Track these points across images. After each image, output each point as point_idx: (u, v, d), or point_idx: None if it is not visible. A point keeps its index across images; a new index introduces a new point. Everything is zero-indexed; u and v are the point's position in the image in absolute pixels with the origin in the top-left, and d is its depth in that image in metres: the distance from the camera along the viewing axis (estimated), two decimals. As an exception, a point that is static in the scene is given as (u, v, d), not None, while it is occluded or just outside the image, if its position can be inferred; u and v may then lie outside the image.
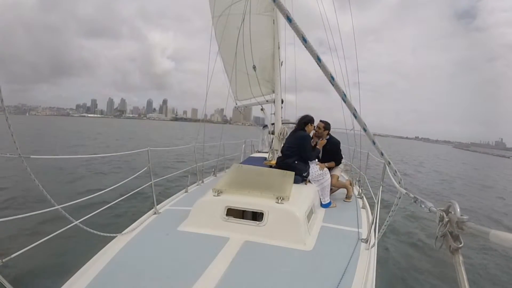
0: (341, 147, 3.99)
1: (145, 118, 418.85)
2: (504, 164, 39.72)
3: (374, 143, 1.17)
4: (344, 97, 1.02)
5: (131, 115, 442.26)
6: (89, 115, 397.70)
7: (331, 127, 3.89)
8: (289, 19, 0.87)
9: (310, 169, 3.37)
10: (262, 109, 5.55)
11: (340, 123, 5.10)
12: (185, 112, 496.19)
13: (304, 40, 0.91)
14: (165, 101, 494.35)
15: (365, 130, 1.12)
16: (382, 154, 1.22)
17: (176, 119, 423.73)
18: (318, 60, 0.94)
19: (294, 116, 6.86)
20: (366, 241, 2.45)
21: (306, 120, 3.48)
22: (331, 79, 0.98)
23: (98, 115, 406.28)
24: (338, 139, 3.96)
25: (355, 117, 1.08)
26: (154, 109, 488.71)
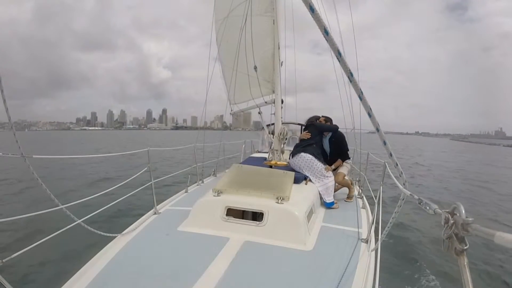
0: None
1: (145, 128, 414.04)
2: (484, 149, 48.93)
3: (385, 143, 1.15)
4: (361, 95, 0.98)
5: (131, 126, 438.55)
6: (90, 128, 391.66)
7: (339, 127, 4.11)
8: (311, 9, 0.83)
9: (316, 164, 3.44)
10: (260, 113, 5.52)
11: (339, 123, 5.12)
12: (185, 121, 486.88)
13: (325, 32, 0.87)
14: (164, 111, 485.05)
15: (378, 130, 1.10)
16: (391, 155, 1.21)
17: (176, 128, 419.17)
18: (339, 54, 0.90)
19: (293, 119, 6.91)
20: (367, 241, 2.45)
21: (315, 119, 4.03)
22: (350, 75, 0.94)
23: (99, 128, 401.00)
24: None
25: (370, 116, 1.05)
26: (154, 119, 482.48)
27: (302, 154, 3.48)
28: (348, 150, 4.08)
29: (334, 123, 4.11)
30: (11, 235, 4.54)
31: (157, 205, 3.13)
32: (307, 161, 3.44)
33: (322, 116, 4.09)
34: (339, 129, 4.06)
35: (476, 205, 8.29)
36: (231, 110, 6.25)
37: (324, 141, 4.02)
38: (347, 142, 4.08)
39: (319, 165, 3.44)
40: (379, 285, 1.91)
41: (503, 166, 21.52)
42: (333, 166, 3.77)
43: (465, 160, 24.64)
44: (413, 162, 19.75)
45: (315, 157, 3.48)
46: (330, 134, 4.01)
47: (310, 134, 3.75)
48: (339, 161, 3.91)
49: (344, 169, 3.95)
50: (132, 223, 2.71)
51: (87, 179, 10.25)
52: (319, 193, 3.36)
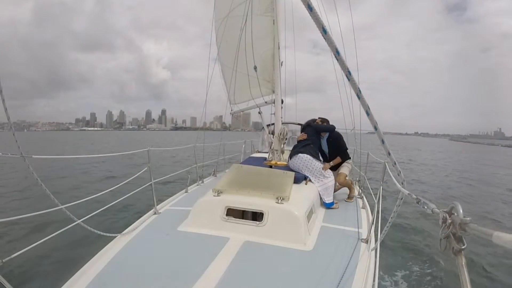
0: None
1: (144, 129, 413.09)
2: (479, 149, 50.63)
3: (383, 142, 1.15)
4: (359, 93, 0.99)
5: (130, 127, 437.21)
6: (89, 128, 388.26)
7: (335, 127, 4.13)
8: (309, 8, 0.83)
9: (315, 163, 3.46)
10: (260, 112, 5.52)
11: (339, 123, 5.12)
12: (184, 121, 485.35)
13: (324, 31, 0.87)
14: (163, 111, 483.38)
15: (376, 128, 1.10)
16: (389, 154, 1.21)
17: (176, 128, 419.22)
18: (337, 53, 0.90)
19: (293, 119, 6.93)
20: (367, 241, 2.45)
21: (312, 121, 4.11)
22: (348, 73, 0.95)
23: (98, 128, 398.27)
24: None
25: (368, 114, 1.05)
26: (153, 119, 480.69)
27: (300, 155, 3.51)
28: (347, 149, 4.08)
29: (333, 123, 4.12)
30: (11, 235, 4.54)
31: (157, 205, 3.13)
32: (305, 161, 3.46)
33: (319, 118, 4.16)
34: (336, 129, 4.07)
35: (467, 203, 8.52)
36: (231, 110, 6.24)
37: (322, 142, 4.03)
38: (345, 141, 4.08)
39: (317, 164, 3.46)
40: (379, 285, 1.91)
41: (499, 166, 21.79)
42: (331, 163, 3.76)
43: (461, 160, 25.10)
44: (408, 160, 20.71)
45: (313, 156, 3.51)
46: (327, 134, 4.03)
47: (306, 135, 3.79)
48: (338, 158, 3.91)
49: (346, 169, 3.95)
50: (132, 223, 2.71)
51: (88, 178, 10.32)
52: (319, 193, 3.37)
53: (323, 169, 3.45)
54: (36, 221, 4.70)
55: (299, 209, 2.50)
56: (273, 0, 4.68)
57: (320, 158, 3.72)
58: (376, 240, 2.32)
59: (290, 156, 3.65)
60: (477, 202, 8.76)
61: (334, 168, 3.90)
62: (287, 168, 3.57)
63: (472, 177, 14.25)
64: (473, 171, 16.77)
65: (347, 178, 3.90)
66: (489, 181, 13.35)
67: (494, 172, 17.28)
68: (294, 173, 3.14)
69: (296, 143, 3.86)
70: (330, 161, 3.85)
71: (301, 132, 4.08)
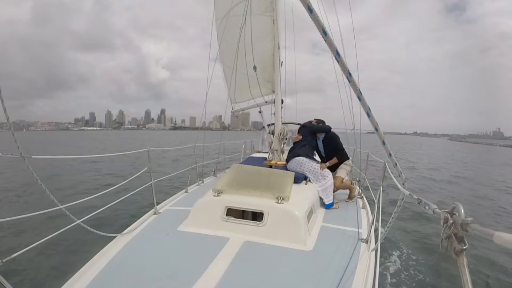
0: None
1: (144, 128, 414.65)
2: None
3: (384, 143, 1.15)
4: (360, 95, 0.99)
5: (130, 126, 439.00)
6: (88, 128, 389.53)
7: (331, 128, 4.12)
8: (309, 9, 0.83)
9: (311, 164, 3.46)
10: (260, 112, 5.53)
11: (339, 123, 5.12)
12: (183, 121, 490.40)
13: (324, 33, 0.87)
14: (163, 111, 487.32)
15: (376, 129, 1.10)
16: (390, 155, 1.21)
17: (175, 128, 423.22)
18: (337, 54, 0.90)
19: (293, 119, 6.96)
20: (367, 241, 2.45)
21: (308, 123, 4.16)
22: (349, 75, 0.95)
23: (97, 128, 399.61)
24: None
25: (368, 116, 1.05)
26: (153, 119, 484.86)
27: (296, 158, 3.52)
28: (343, 149, 4.06)
29: (333, 123, 4.13)
30: (12, 235, 4.54)
31: (157, 205, 3.13)
32: (301, 164, 3.46)
33: (315, 119, 4.18)
34: (332, 130, 4.07)
35: (455, 200, 8.73)
36: (232, 109, 6.25)
37: (319, 143, 4.04)
38: (341, 142, 4.07)
39: (314, 165, 3.46)
40: (379, 285, 1.91)
41: (494, 165, 21.84)
42: (328, 164, 3.76)
43: (458, 160, 25.11)
44: (405, 160, 21.10)
45: (308, 157, 3.52)
46: (323, 135, 4.03)
47: (301, 136, 3.82)
48: (335, 159, 3.91)
49: (342, 172, 3.92)
50: (132, 223, 2.71)
51: (89, 178, 10.32)
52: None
53: (320, 168, 3.46)
54: (36, 221, 4.70)
55: (299, 209, 2.50)
56: (273, 0, 4.68)
57: (317, 158, 3.73)
58: (376, 240, 2.32)
59: (288, 160, 3.64)
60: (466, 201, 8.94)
61: (333, 169, 3.89)
62: (287, 168, 3.57)
63: (463, 176, 14.48)
64: (465, 171, 16.92)
65: (345, 180, 3.88)
66: (483, 180, 13.46)
67: (490, 171, 17.44)
68: (294, 173, 3.15)
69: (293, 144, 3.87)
70: (326, 162, 3.85)
71: (297, 133, 4.10)
